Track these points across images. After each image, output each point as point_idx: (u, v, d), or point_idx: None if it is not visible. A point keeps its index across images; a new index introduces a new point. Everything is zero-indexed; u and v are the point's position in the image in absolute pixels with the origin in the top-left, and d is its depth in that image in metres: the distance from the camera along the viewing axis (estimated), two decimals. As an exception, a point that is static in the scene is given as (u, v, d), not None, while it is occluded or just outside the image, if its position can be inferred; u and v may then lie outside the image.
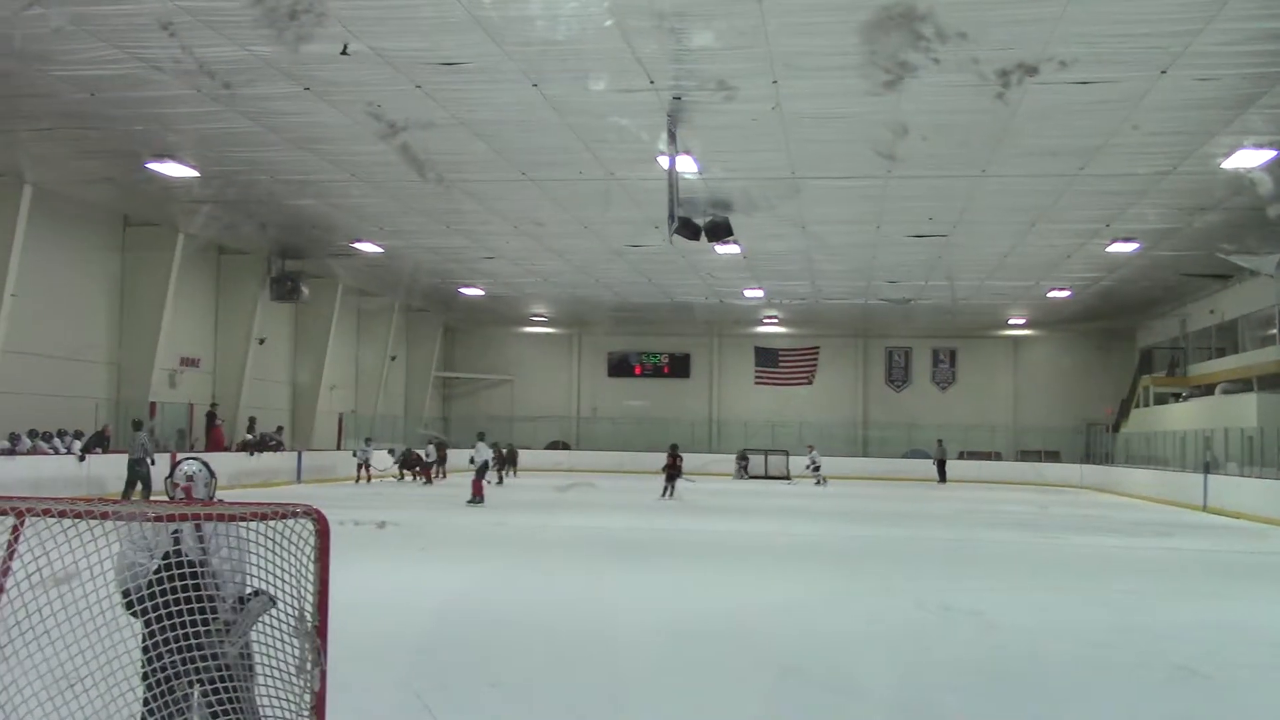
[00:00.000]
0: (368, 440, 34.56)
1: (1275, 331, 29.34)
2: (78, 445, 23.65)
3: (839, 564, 15.90)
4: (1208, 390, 33.89)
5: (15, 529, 4.12)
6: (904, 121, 17.02)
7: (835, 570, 15.12)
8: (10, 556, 4.16)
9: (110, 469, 23.58)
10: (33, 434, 22.97)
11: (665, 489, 28.77)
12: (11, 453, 21.92)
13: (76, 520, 3.90)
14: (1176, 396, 37.19)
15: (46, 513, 3.86)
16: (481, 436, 28.21)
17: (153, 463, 22.43)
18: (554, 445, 47.65)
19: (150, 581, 4.31)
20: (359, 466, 33.60)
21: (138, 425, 23.15)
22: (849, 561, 16.21)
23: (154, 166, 20.74)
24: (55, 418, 23.93)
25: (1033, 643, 9.68)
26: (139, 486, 22.14)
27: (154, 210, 26.02)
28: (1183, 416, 34.85)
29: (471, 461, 26.98)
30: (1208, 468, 29.12)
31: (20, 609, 4.09)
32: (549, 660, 8.61)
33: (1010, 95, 15.51)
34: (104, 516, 3.90)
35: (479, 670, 8.08)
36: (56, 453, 23.07)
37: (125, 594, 4.40)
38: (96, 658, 4.02)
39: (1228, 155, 18.32)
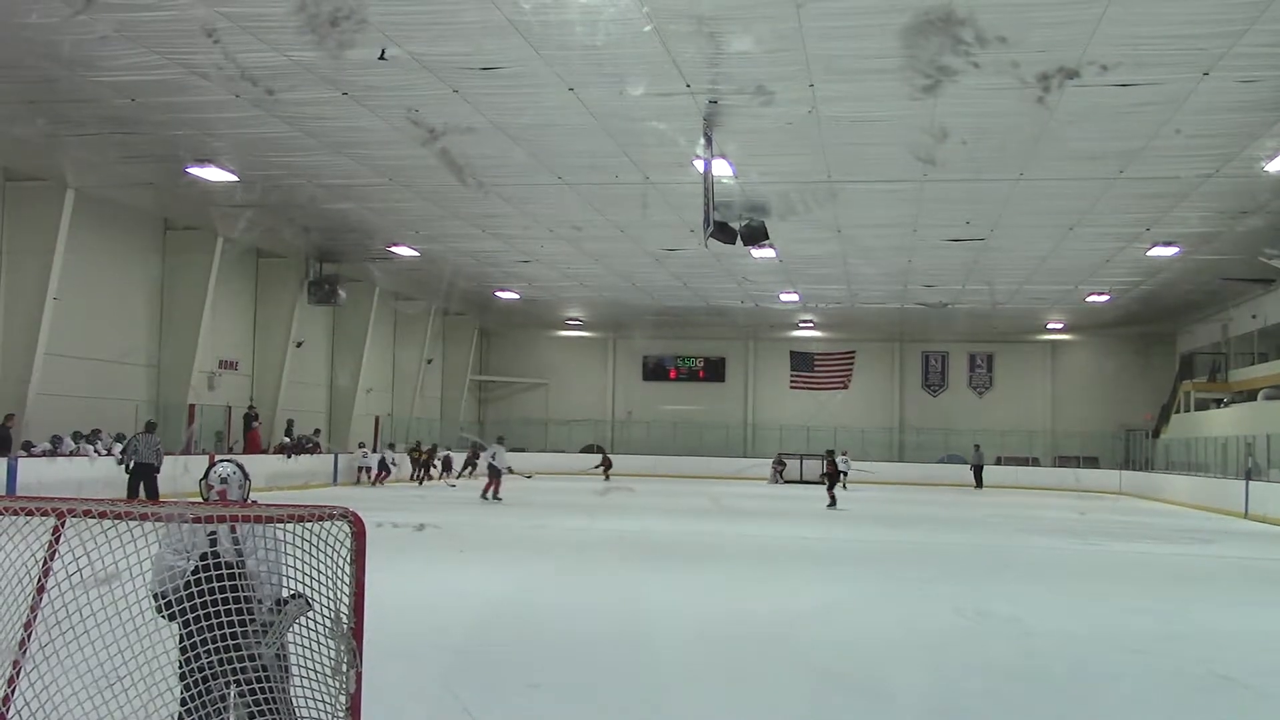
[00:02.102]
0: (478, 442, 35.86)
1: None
2: (118, 447, 23.79)
3: (875, 569, 15.81)
4: (1250, 396, 33.49)
5: (56, 529, 4.17)
6: (942, 125, 16.94)
7: (871, 575, 15.04)
8: (51, 557, 4.21)
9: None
10: (76, 436, 23.23)
11: (830, 499, 27.37)
12: (54, 454, 22.17)
13: (117, 521, 3.93)
14: (1218, 402, 36.76)
15: (87, 513, 3.90)
16: (500, 440, 29.74)
17: (157, 469, 21.36)
18: (589, 449, 47.71)
19: (188, 583, 4.35)
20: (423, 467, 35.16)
21: (151, 427, 22.30)
22: (885, 566, 16.12)
23: (194, 171, 20.96)
24: (96, 420, 24.20)
25: (1071, 650, 9.58)
26: (141, 492, 21.08)
27: (194, 214, 26.29)
28: (1224, 422, 34.45)
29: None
30: (1249, 474, 28.76)
31: (61, 609, 4.14)
32: (588, 663, 8.61)
33: (1050, 99, 15.42)
34: (144, 518, 3.94)
35: (518, 672, 8.09)
36: (98, 454, 23.28)
37: (156, 596, 4.43)
38: (136, 657, 4.05)
39: (1271, 158, 18.11)
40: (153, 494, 21.09)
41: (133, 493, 20.90)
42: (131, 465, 21.13)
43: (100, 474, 22.38)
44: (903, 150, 18.40)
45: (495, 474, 27.33)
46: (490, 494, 26.97)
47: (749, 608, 11.75)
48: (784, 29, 13.37)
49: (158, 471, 21.28)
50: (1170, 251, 26.56)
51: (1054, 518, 26.68)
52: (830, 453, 29.86)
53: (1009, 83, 14.84)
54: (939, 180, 20.40)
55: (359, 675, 4.04)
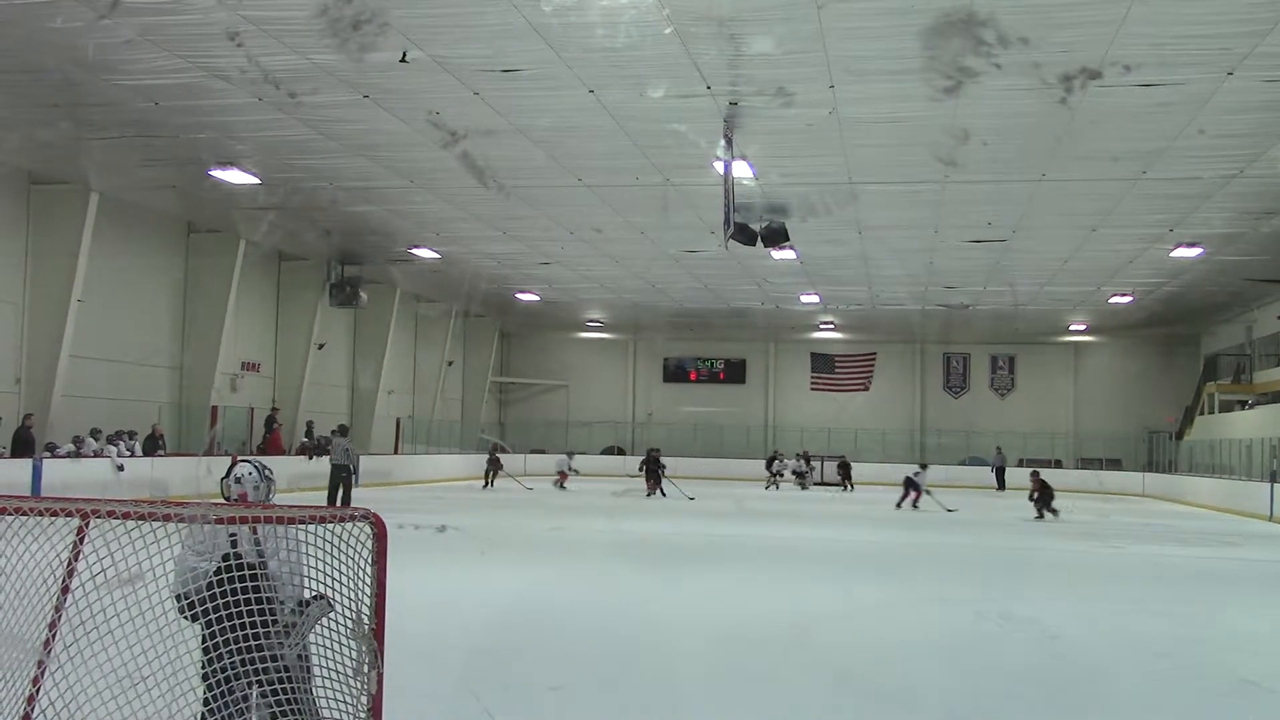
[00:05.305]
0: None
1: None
2: (136, 445, 23.99)
3: (896, 571, 15.78)
4: (1274, 397, 33.24)
5: (80, 530, 4.20)
6: (963, 126, 16.89)
7: (893, 577, 15.00)
8: (75, 557, 4.24)
9: (171, 471, 23.94)
10: (97, 435, 23.34)
11: (1052, 511, 26.65)
12: (77, 455, 22.29)
13: (140, 522, 3.96)
14: (1242, 404, 36.50)
15: (111, 514, 3.93)
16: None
17: (354, 470, 22.53)
18: (609, 450, 47.66)
19: (210, 584, 4.37)
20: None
21: (342, 431, 23.53)
22: (907, 569, 16.08)
23: (217, 174, 21.04)
24: (119, 421, 24.31)
25: (1093, 653, 9.55)
26: (340, 493, 22.17)
27: (217, 217, 26.43)
28: (1248, 424, 34.18)
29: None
30: (1274, 476, 28.55)
31: (85, 609, 4.17)
32: (607, 664, 8.62)
33: (1073, 99, 15.34)
34: (167, 519, 3.96)
35: (537, 673, 8.10)
36: (121, 455, 23.35)
37: (179, 597, 4.45)
38: (159, 657, 4.08)
39: (1296, 158, 18.00)
40: (346, 495, 22.04)
41: (332, 496, 21.91)
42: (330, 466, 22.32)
43: (125, 474, 22.47)
44: (924, 151, 18.32)
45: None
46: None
47: (769, 609, 11.75)
48: (804, 30, 13.34)
49: (352, 473, 22.46)
50: (1194, 252, 26.39)
51: (1077, 520, 26.53)
52: (1036, 470, 29.33)
53: (1031, 83, 14.77)
54: (961, 181, 20.32)
55: (380, 676, 4.06)
